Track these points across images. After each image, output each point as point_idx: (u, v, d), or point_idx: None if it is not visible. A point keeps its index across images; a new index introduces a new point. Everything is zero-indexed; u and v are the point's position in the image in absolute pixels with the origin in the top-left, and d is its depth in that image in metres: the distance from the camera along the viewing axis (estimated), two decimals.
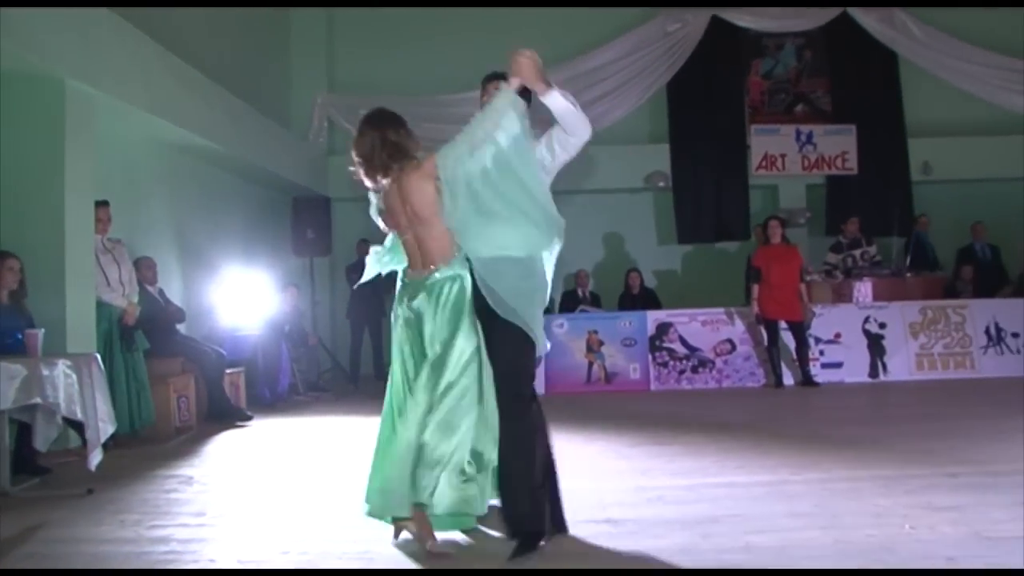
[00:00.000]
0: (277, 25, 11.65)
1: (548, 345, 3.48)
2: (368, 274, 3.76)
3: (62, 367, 4.36)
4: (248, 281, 9.11)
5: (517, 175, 3.17)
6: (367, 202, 3.60)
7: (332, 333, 11.70)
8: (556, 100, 3.25)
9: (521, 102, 3.17)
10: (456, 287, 3.30)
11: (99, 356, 4.92)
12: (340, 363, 10.87)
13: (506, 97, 3.15)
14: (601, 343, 9.37)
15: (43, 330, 4.71)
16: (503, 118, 3.12)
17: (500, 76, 3.32)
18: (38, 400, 4.24)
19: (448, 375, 3.22)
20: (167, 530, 3.76)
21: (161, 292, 7.55)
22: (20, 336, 5.05)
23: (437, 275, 3.31)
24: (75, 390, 4.40)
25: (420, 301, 3.32)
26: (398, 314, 3.44)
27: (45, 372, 4.26)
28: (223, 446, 6.30)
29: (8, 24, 5.29)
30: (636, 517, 3.69)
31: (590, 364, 9.34)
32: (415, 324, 3.36)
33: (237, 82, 9.31)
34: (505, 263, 3.26)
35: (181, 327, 7.72)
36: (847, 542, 3.21)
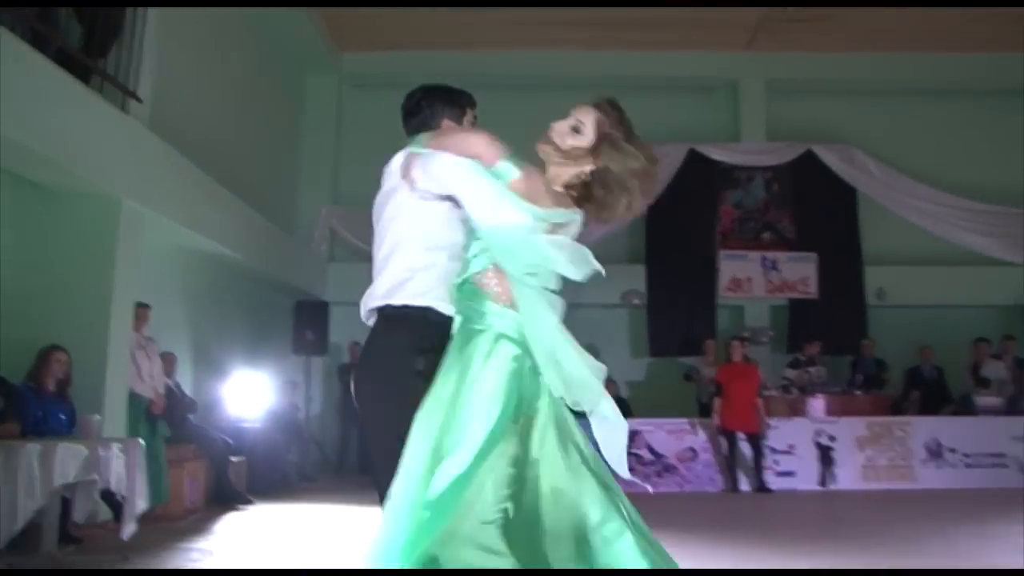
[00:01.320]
0: (291, 140, 12.67)
1: None
2: None
3: (115, 449, 5.13)
4: (251, 377, 9.89)
5: None
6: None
7: (322, 428, 12.37)
8: None
9: None
10: None
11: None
12: (328, 456, 11.61)
13: None
14: None
15: (98, 416, 5.48)
16: None
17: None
18: (95, 477, 4.99)
19: None
20: None
21: (177, 385, 8.33)
22: (63, 418, 5.84)
23: None
24: (123, 470, 5.17)
25: None
26: None
27: (102, 453, 5.02)
28: (230, 525, 7.02)
29: (73, 148, 6.20)
30: None
31: None
32: None
33: (251, 191, 10.12)
34: None
35: (192, 416, 8.48)
36: None
